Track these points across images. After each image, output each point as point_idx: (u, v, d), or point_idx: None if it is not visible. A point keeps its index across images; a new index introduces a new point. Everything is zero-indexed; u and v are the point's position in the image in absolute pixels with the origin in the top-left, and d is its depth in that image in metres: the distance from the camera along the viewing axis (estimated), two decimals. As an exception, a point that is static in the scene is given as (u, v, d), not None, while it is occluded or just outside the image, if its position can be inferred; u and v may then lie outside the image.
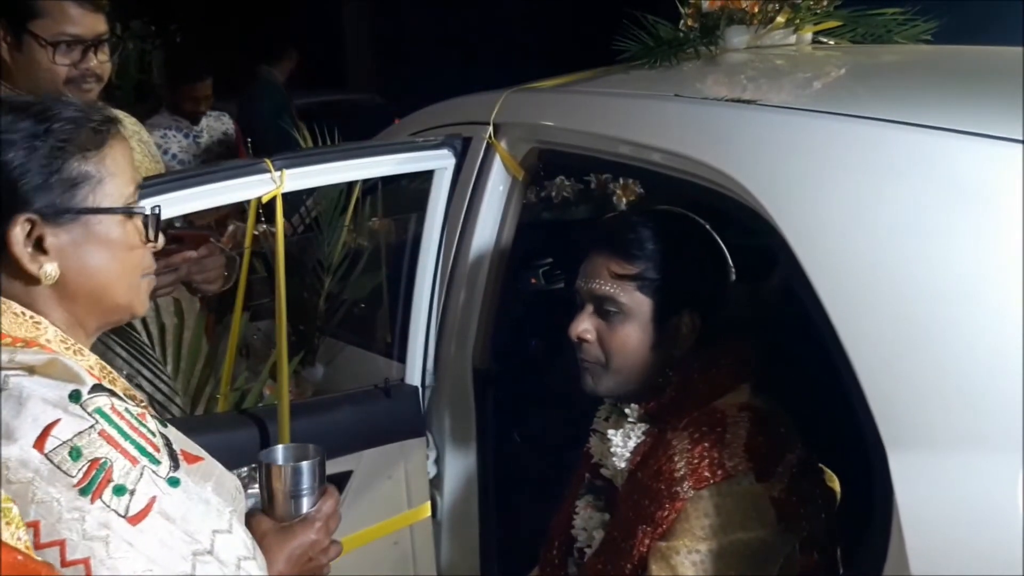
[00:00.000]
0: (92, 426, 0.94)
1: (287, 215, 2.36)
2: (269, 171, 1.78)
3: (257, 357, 2.45)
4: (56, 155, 1.02)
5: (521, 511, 2.13)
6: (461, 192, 2.03)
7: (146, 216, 1.11)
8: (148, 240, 1.12)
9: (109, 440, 0.95)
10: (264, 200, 1.79)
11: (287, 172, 1.80)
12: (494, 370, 2.08)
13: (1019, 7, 2.62)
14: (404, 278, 2.22)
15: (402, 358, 2.12)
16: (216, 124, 4.30)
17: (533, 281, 2.57)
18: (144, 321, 2.10)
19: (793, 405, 1.49)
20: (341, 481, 1.97)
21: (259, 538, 1.17)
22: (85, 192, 1.04)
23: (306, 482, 1.26)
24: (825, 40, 2.01)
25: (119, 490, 0.94)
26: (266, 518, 1.24)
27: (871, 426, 1.10)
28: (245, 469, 1.54)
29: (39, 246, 1.01)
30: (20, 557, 0.86)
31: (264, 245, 2.26)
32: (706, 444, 1.38)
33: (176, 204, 1.69)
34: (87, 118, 1.06)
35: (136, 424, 0.98)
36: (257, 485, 1.31)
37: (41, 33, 1.97)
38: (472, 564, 2.11)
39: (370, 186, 2.56)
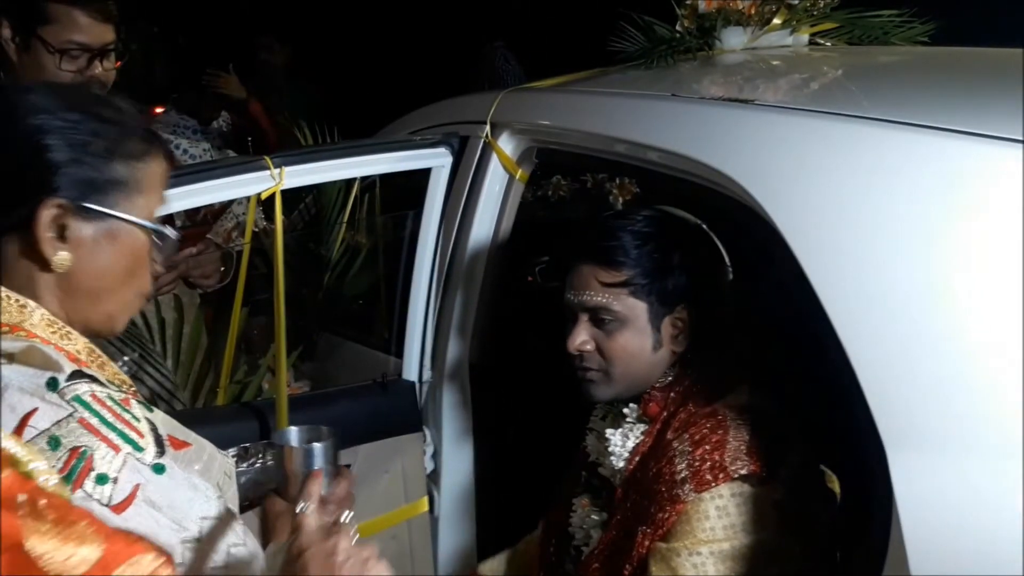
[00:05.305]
0: (71, 414, 0.92)
1: (287, 212, 2.37)
2: (268, 168, 1.80)
3: (256, 351, 2.46)
4: (104, 154, 1.02)
5: (518, 506, 2.14)
6: (459, 190, 2.04)
7: (165, 239, 1.10)
8: (154, 260, 1.11)
9: (89, 428, 0.93)
10: (263, 196, 1.81)
11: (286, 169, 1.82)
12: (491, 366, 2.09)
13: (1016, 9, 2.64)
14: (402, 275, 2.24)
15: (399, 354, 2.14)
16: (221, 123, 4.36)
17: (530, 279, 2.58)
18: (144, 316, 2.11)
19: (792, 405, 1.50)
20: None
21: (273, 520, 1.17)
22: (119, 196, 1.03)
23: (318, 464, 1.23)
24: (822, 41, 2.02)
25: (101, 479, 0.91)
26: (279, 500, 1.23)
27: (871, 426, 1.10)
28: (234, 449, 1.54)
29: (60, 233, 1.01)
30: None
31: (264, 241, 2.27)
32: (707, 447, 1.38)
33: (176, 200, 1.70)
34: (137, 127, 1.06)
35: (119, 410, 0.96)
36: (247, 463, 1.29)
37: (49, 39, 1.98)
38: (469, 559, 2.13)
39: (368, 183, 2.58)
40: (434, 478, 2.11)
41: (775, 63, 1.90)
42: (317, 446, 1.25)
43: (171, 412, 2.08)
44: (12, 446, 0.74)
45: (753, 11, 1.95)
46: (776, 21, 1.95)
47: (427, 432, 2.10)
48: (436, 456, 2.11)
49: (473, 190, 2.01)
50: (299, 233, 2.79)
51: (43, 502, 0.70)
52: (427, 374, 2.11)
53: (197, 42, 5.97)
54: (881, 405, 1.10)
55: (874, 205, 1.18)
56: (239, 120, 4.44)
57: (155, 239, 1.09)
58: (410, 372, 2.11)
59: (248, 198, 1.95)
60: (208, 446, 1.09)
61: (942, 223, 1.12)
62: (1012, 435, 1.00)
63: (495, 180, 2.00)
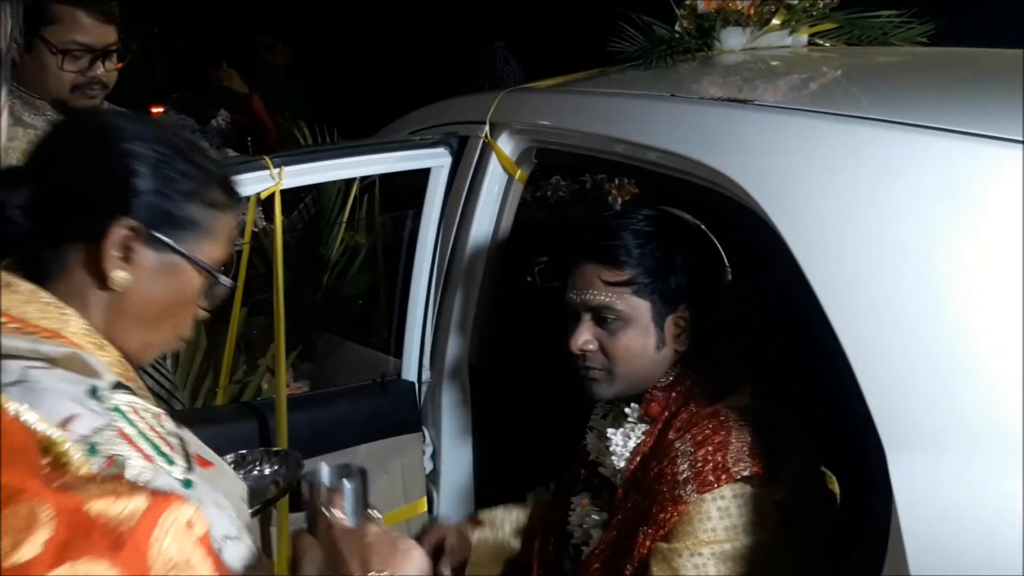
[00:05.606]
0: (109, 423, 0.93)
1: (286, 212, 2.37)
2: (268, 168, 1.80)
3: (255, 351, 2.46)
4: (187, 194, 1.07)
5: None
6: (458, 190, 2.05)
7: (218, 287, 1.14)
8: (199, 305, 1.15)
9: (125, 438, 0.93)
10: (263, 196, 1.81)
11: (286, 169, 1.82)
12: (490, 366, 2.09)
13: (1016, 9, 2.64)
14: (401, 275, 2.24)
15: (399, 354, 2.14)
16: (220, 121, 4.38)
17: (529, 279, 2.59)
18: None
19: (793, 406, 1.50)
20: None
21: (302, 554, 1.18)
22: (189, 236, 1.07)
23: (347, 502, 1.23)
24: (821, 42, 2.02)
25: None
26: (310, 536, 1.21)
27: (871, 427, 1.10)
28: (231, 456, 1.55)
29: (125, 254, 1.04)
30: None
31: (264, 241, 2.27)
32: (710, 448, 1.39)
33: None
34: (223, 178, 1.12)
35: (153, 423, 0.98)
36: (243, 471, 1.30)
37: (52, 39, 1.98)
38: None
39: (368, 183, 2.58)
40: (433, 478, 2.12)
41: (774, 63, 1.90)
42: (348, 487, 1.26)
43: (170, 412, 2.09)
44: (46, 428, 0.77)
45: (752, 11, 1.95)
46: (775, 21, 1.95)
47: (426, 432, 2.11)
48: (435, 456, 2.11)
49: (472, 190, 2.02)
50: (299, 233, 2.80)
51: (79, 475, 0.74)
52: (426, 374, 2.12)
53: (197, 42, 5.99)
54: (881, 406, 1.10)
55: (873, 205, 1.18)
56: (239, 118, 4.45)
57: (210, 285, 1.13)
58: (409, 372, 2.11)
59: (247, 198, 1.95)
60: (227, 468, 1.12)
61: (941, 223, 1.12)
62: (1012, 435, 1.00)
63: (494, 180, 2.01)
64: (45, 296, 1.01)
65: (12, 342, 0.90)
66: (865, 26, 1.99)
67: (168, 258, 1.06)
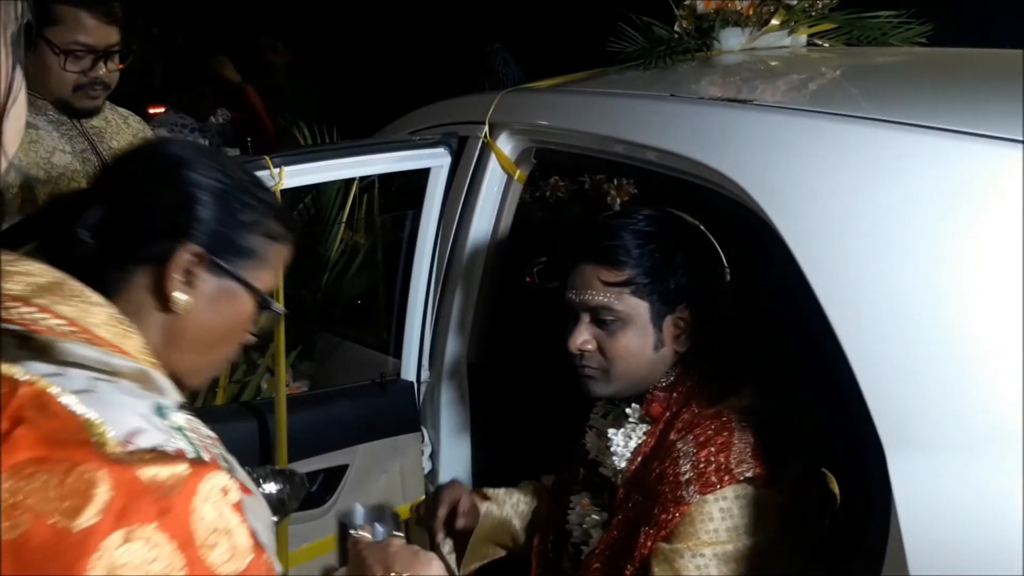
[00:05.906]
0: (170, 441, 0.93)
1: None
2: (268, 168, 1.80)
3: (255, 351, 2.46)
4: (249, 225, 1.11)
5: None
6: (457, 190, 2.05)
7: (269, 315, 1.17)
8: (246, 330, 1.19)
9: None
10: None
11: (286, 169, 1.82)
12: (489, 366, 2.09)
13: (1015, 9, 2.64)
14: (400, 275, 2.24)
15: (398, 353, 2.14)
16: (219, 119, 4.39)
17: (528, 280, 2.59)
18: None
19: (793, 406, 1.50)
20: (337, 475, 1.98)
21: None
22: (247, 264, 1.11)
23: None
24: (820, 42, 2.02)
25: None
26: (340, 571, 1.26)
27: (870, 427, 1.10)
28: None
29: (187, 278, 1.07)
30: None
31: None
32: (712, 448, 1.38)
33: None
34: (281, 212, 1.17)
35: (208, 444, 0.98)
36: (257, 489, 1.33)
37: (55, 40, 1.98)
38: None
39: (367, 183, 2.58)
40: (432, 478, 2.12)
41: (773, 64, 1.90)
42: (380, 530, 1.31)
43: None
44: (85, 411, 0.79)
45: (751, 12, 1.95)
46: (774, 22, 1.96)
47: (425, 432, 2.10)
48: (434, 456, 2.11)
49: (472, 190, 2.02)
50: (298, 233, 2.79)
51: (118, 451, 0.77)
52: (425, 374, 2.11)
53: (197, 42, 6.00)
54: (880, 405, 1.10)
55: (872, 205, 1.18)
56: (238, 115, 4.46)
57: (262, 313, 1.16)
58: (408, 372, 2.11)
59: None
60: (261, 499, 1.14)
61: (941, 223, 1.12)
62: (1011, 434, 1.00)
63: (494, 180, 2.01)
64: (113, 310, 1.02)
65: (81, 350, 0.91)
66: (864, 26, 2.00)
67: (227, 284, 1.10)
